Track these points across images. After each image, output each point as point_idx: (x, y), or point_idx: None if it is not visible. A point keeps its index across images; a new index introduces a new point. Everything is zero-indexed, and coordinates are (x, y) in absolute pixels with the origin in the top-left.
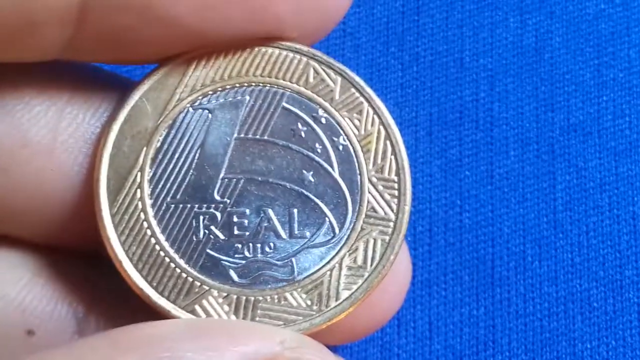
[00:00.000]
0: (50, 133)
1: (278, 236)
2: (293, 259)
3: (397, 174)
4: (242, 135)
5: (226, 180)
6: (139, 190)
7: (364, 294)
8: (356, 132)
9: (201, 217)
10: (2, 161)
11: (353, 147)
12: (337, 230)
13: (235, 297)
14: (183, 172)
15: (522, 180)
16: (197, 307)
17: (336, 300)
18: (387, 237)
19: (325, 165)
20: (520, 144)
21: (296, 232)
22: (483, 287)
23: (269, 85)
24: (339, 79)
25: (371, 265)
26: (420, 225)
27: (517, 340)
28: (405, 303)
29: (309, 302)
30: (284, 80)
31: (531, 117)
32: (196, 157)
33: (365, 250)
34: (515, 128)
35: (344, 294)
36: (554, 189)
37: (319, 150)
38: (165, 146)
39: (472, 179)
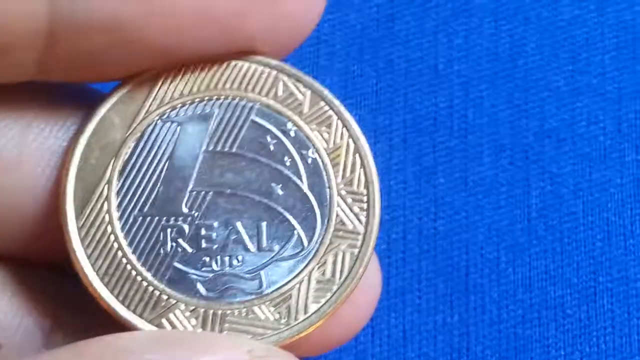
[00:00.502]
0: (16, 147)
1: (246, 249)
2: (262, 272)
3: (366, 186)
4: (210, 149)
5: (194, 193)
6: (106, 203)
7: (333, 307)
8: (325, 145)
9: (169, 230)
10: None
11: (322, 160)
12: (305, 243)
13: (202, 310)
14: (151, 185)
15: (496, 187)
16: (164, 320)
17: (305, 313)
18: (356, 251)
19: (294, 178)
20: (495, 150)
21: (265, 245)
22: (457, 294)
23: (238, 98)
24: (308, 92)
25: (340, 278)
26: (394, 232)
27: (490, 347)
28: (379, 311)
29: (277, 316)
30: (252, 93)
31: (505, 123)
32: (164, 170)
33: (334, 264)
34: (490, 134)
35: (313, 308)
36: (528, 195)
37: (288, 164)
38: (134, 159)
39: (447, 186)
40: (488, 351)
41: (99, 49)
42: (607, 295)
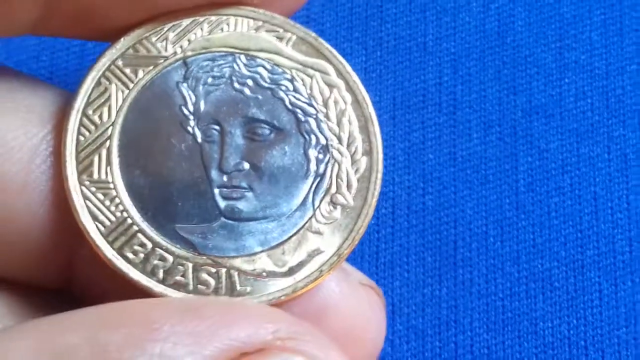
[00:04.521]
0: (24, 170)
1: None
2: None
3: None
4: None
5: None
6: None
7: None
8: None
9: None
10: None
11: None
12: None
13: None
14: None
15: (485, 162)
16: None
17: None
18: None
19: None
20: (483, 126)
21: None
22: (445, 268)
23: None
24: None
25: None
26: (383, 207)
27: (479, 319)
28: None
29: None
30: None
31: (494, 100)
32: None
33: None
34: (478, 111)
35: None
36: (516, 170)
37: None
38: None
39: (435, 162)
40: (476, 323)
41: (98, 5)
42: (594, 269)
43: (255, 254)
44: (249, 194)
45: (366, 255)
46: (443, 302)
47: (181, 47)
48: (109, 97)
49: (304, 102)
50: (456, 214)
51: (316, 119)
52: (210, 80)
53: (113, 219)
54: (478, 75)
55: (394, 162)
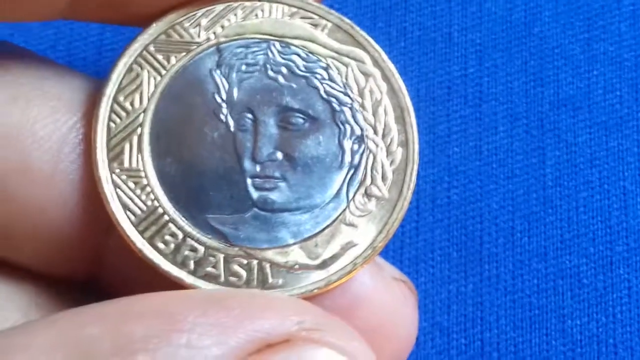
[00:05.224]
0: (53, 159)
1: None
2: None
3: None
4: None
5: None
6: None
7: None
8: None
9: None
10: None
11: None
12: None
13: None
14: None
15: (511, 156)
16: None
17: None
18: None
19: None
20: (509, 119)
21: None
22: (471, 264)
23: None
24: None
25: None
26: None
27: (505, 317)
28: None
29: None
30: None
31: (520, 92)
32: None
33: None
34: (504, 103)
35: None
36: (543, 164)
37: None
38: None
39: (461, 155)
40: (502, 320)
41: None
42: (623, 265)
43: (287, 245)
44: (282, 185)
45: (390, 251)
46: (469, 299)
47: (214, 33)
48: (141, 83)
49: (339, 91)
50: (482, 208)
51: (351, 109)
52: (244, 67)
53: (144, 208)
54: (504, 66)
55: (419, 155)
